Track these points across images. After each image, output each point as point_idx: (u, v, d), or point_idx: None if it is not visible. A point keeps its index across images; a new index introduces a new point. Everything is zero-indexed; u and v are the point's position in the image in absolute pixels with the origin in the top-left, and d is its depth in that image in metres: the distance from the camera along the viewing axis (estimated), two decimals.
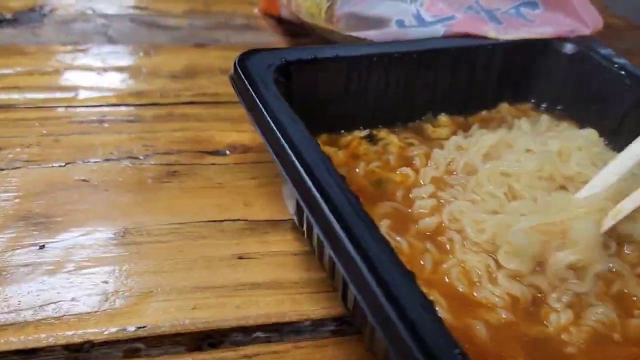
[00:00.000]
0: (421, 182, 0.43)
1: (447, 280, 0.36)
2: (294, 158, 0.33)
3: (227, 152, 0.49)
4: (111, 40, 0.64)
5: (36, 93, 0.54)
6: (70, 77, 0.57)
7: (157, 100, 0.55)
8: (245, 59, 0.40)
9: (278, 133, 0.35)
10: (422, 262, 0.37)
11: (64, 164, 0.46)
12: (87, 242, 0.39)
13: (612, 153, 0.44)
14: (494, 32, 0.50)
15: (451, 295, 0.34)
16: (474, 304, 0.34)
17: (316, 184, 0.31)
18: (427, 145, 0.46)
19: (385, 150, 0.46)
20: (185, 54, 0.63)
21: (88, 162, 0.46)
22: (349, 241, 0.27)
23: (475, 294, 0.35)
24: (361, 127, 0.47)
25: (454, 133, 0.48)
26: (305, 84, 0.42)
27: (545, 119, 0.48)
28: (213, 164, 0.48)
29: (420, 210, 0.40)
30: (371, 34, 0.47)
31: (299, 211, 0.37)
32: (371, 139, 0.47)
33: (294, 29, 0.67)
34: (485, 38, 0.49)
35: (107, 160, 0.47)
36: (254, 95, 0.37)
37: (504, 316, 0.34)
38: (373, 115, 0.47)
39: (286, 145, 0.34)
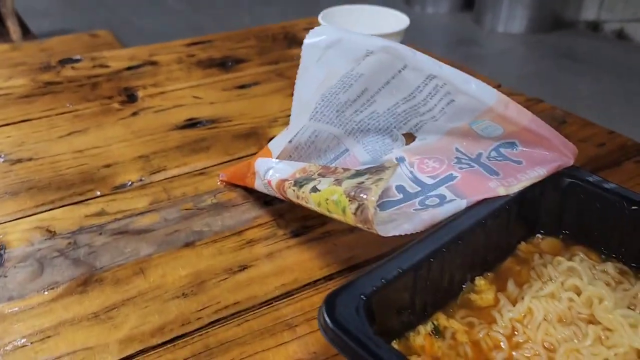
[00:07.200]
0: None
1: None
2: None
3: None
4: (94, 268, 0.58)
5: None
6: None
7: (181, 332, 0.51)
8: (331, 310, 0.38)
9: None
10: None
11: None
12: None
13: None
14: (502, 189, 0.53)
15: None
16: None
17: None
18: (484, 320, 0.48)
19: (456, 340, 0.46)
20: (179, 262, 0.58)
21: None
22: None
23: None
24: (425, 315, 0.47)
25: (495, 295, 0.50)
26: (381, 307, 0.42)
27: (575, 264, 0.51)
28: None
29: None
30: (408, 228, 0.48)
31: None
32: (435, 331, 0.47)
33: (266, 196, 0.66)
34: (498, 196, 0.52)
35: None
36: (360, 350, 0.36)
37: None
38: (426, 304, 0.47)
39: None
